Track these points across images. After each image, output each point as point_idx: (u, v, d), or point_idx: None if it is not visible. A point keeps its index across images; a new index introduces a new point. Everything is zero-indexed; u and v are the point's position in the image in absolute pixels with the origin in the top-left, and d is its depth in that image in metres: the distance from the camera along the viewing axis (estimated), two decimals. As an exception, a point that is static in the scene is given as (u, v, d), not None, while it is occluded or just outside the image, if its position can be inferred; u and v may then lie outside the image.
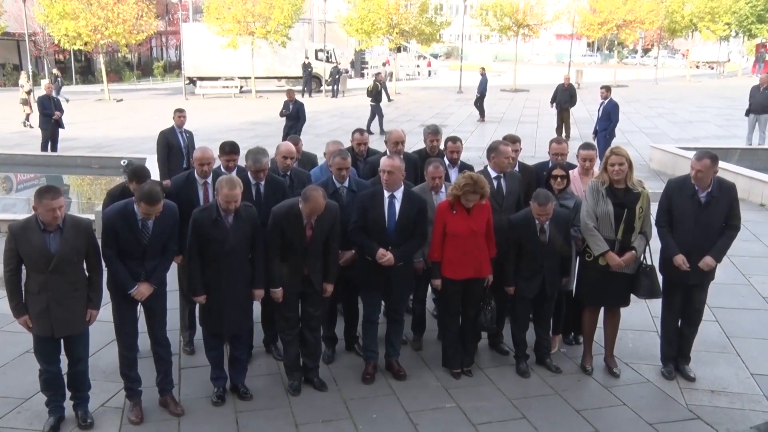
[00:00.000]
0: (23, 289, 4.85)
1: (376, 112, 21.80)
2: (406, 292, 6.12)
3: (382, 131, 20.74)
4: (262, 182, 5.94)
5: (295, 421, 5.23)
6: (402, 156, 6.85)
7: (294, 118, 16.41)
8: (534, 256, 5.76)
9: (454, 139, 6.81)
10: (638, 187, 5.61)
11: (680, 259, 5.55)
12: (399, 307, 5.97)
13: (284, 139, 13.66)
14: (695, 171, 5.46)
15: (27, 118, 23.09)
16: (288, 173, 6.30)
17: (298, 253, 5.45)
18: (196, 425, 5.16)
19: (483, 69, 26.26)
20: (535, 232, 5.73)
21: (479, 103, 24.91)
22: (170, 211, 5.20)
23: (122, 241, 4.99)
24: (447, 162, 6.68)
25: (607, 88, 15.34)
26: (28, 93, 24.30)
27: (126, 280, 5.05)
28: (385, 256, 5.55)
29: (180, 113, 10.11)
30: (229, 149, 6.25)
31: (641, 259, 5.71)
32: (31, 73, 35.27)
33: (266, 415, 5.32)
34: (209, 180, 5.94)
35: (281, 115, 17.15)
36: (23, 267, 4.80)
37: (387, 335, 5.98)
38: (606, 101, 15.10)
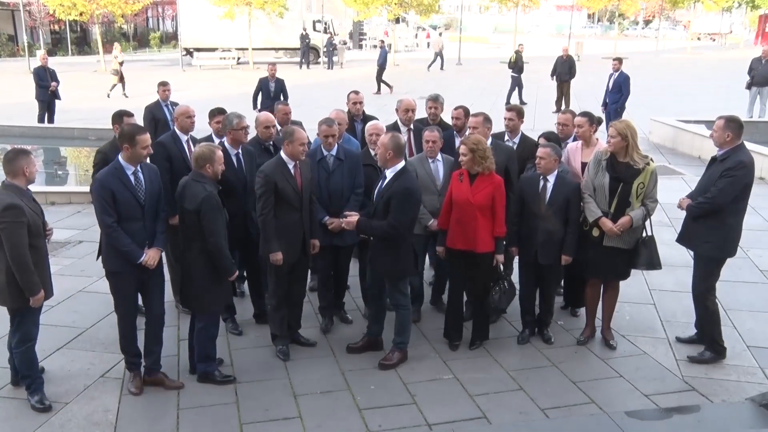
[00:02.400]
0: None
1: (517, 83, 21.70)
2: (392, 278, 5.61)
3: (522, 102, 20.83)
4: (239, 151, 6.13)
5: (293, 392, 5.26)
6: (412, 125, 7.14)
7: (276, 98, 13.85)
8: (532, 213, 5.81)
9: (457, 107, 6.91)
10: (640, 163, 5.56)
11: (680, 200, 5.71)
12: (393, 294, 5.68)
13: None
14: (712, 131, 5.57)
15: (113, 89, 23.91)
16: (271, 142, 6.47)
17: (296, 207, 5.52)
18: (195, 396, 5.18)
19: (382, 42, 26.24)
20: (537, 188, 5.78)
21: (379, 77, 24.61)
22: (155, 169, 5.25)
23: (120, 203, 4.85)
24: (455, 132, 6.85)
25: (619, 60, 15.22)
26: (121, 64, 24.49)
27: (134, 250, 4.92)
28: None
29: (164, 86, 9.97)
30: (218, 111, 6.53)
31: (642, 233, 5.70)
32: (26, 44, 35.06)
33: (265, 386, 5.34)
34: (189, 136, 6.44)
35: (257, 96, 14.56)
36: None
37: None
38: (617, 73, 14.97)
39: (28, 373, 5.04)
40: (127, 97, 23.31)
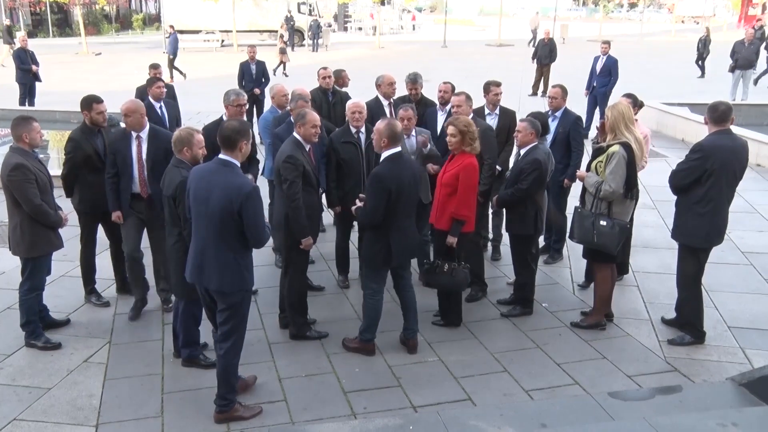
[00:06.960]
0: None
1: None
2: (361, 261, 5.70)
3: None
4: None
5: (278, 375, 5.26)
6: (392, 100, 7.46)
7: (258, 81, 13.76)
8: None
9: (445, 82, 7.26)
10: (605, 144, 5.67)
11: None
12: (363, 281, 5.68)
13: (252, 110, 13.50)
14: None
15: (281, 67, 24.31)
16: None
17: (314, 188, 5.64)
18: (179, 380, 5.16)
19: (172, 27, 25.90)
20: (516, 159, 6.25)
21: (171, 65, 23.58)
22: None
23: None
24: (438, 104, 7.22)
25: (607, 43, 15.18)
26: (286, 43, 24.22)
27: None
28: None
29: (155, 69, 9.83)
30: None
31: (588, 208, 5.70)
32: (5, 27, 34.50)
33: (250, 369, 5.30)
34: (142, 134, 5.90)
35: (242, 82, 13.73)
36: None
37: None
38: (605, 56, 14.93)
39: (32, 318, 5.55)
40: (287, 76, 23.52)
